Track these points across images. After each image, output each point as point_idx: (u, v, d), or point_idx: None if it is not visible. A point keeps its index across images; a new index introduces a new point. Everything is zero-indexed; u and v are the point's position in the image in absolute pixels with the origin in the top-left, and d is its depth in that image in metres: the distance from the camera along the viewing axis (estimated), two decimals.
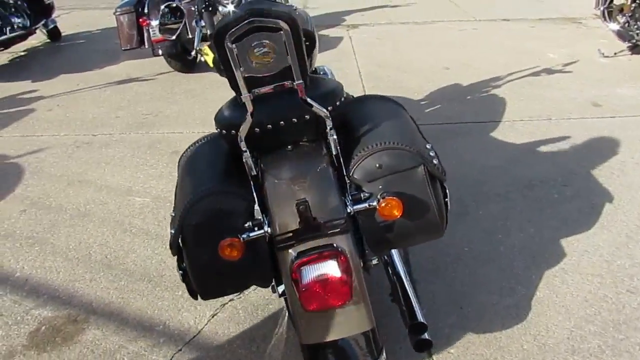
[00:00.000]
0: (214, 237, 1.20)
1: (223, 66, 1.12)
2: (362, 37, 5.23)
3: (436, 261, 2.07)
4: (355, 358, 1.18)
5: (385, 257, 1.63)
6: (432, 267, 2.05)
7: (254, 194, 1.27)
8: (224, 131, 1.34)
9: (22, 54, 5.08)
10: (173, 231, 1.27)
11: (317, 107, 1.22)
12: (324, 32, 5.44)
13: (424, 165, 1.27)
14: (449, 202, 1.38)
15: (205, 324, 1.83)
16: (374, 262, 1.55)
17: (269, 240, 1.21)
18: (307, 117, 1.27)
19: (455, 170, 2.67)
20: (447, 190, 1.38)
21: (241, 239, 1.19)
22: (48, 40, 5.31)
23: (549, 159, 2.76)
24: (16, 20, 4.58)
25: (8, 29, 4.48)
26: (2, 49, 4.58)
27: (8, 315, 1.91)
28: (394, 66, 4.31)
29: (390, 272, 1.58)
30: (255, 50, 1.08)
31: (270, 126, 1.28)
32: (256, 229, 1.21)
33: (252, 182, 1.28)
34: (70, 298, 1.97)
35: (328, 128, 1.25)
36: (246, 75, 1.12)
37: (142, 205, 2.52)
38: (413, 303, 1.45)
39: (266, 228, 1.21)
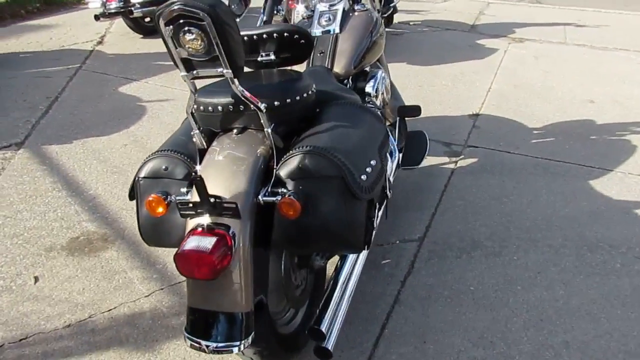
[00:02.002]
0: (151, 193, 1.37)
1: (165, 45, 1.25)
2: (519, 53, 4.86)
3: (432, 290, 1.96)
4: (223, 332, 1.25)
5: (338, 264, 1.64)
6: (424, 294, 1.95)
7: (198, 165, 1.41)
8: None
9: None
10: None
11: (249, 99, 1.29)
12: (482, 41, 5.18)
13: (342, 178, 1.27)
14: (375, 222, 1.34)
15: None
16: (318, 262, 1.59)
17: None
18: (253, 107, 1.35)
19: (518, 209, 2.44)
20: (378, 211, 1.34)
21: (165, 199, 1.35)
22: None
23: (638, 224, 2.35)
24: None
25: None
26: None
27: (65, 220, 2.35)
28: (531, 89, 3.96)
29: (333, 277, 1.59)
30: (186, 36, 1.20)
31: (220, 108, 1.39)
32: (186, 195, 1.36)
33: (198, 155, 1.42)
34: (113, 221, 2.35)
35: (262, 120, 1.32)
36: (183, 57, 1.25)
37: None
38: (327, 312, 1.45)
39: (188, 196, 1.35)
